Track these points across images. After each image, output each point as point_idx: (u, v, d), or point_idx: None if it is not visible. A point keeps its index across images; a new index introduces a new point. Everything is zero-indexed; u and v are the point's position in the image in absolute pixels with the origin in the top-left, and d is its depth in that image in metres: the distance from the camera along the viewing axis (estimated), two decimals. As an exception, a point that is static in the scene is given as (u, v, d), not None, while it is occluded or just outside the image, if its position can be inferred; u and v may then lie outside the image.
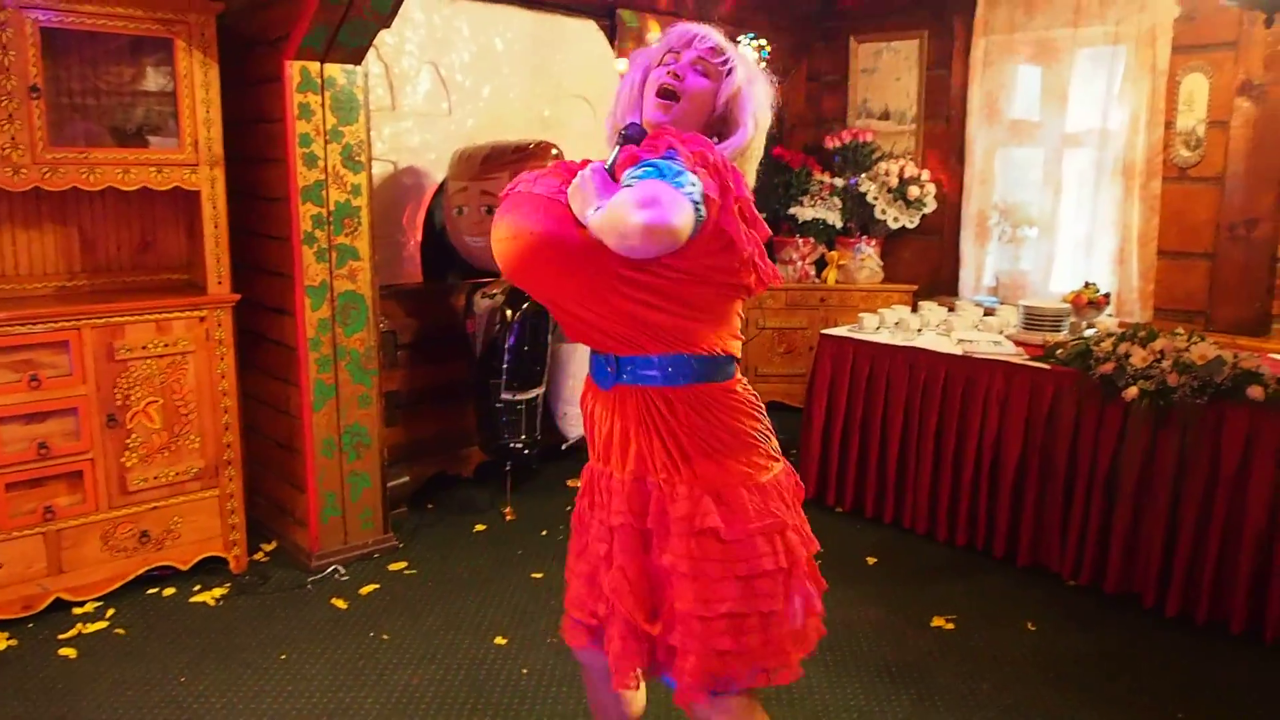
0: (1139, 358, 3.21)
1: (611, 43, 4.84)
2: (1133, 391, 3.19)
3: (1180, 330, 3.37)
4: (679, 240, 1.40)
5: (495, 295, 3.84)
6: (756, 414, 1.73)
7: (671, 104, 1.64)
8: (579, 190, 1.51)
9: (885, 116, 5.70)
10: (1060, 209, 5.03)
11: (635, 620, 1.67)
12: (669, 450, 1.64)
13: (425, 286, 4.20)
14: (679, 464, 1.64)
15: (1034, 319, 3.91)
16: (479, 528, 3.96)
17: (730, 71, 1.66)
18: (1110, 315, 4.17)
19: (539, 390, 3.94)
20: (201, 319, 3.30)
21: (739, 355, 1.73)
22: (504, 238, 1.60)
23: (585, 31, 4.72)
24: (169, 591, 3.33)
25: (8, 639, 2.99)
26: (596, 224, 1.44)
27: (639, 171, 1.47)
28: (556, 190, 1.57)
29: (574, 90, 4.66)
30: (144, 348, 3.19)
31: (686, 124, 1.63)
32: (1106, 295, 4.11)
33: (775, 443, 1.77)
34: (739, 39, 4.99)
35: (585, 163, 1.62)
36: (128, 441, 3.20)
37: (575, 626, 1.83)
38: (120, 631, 3.07)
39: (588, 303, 1.60)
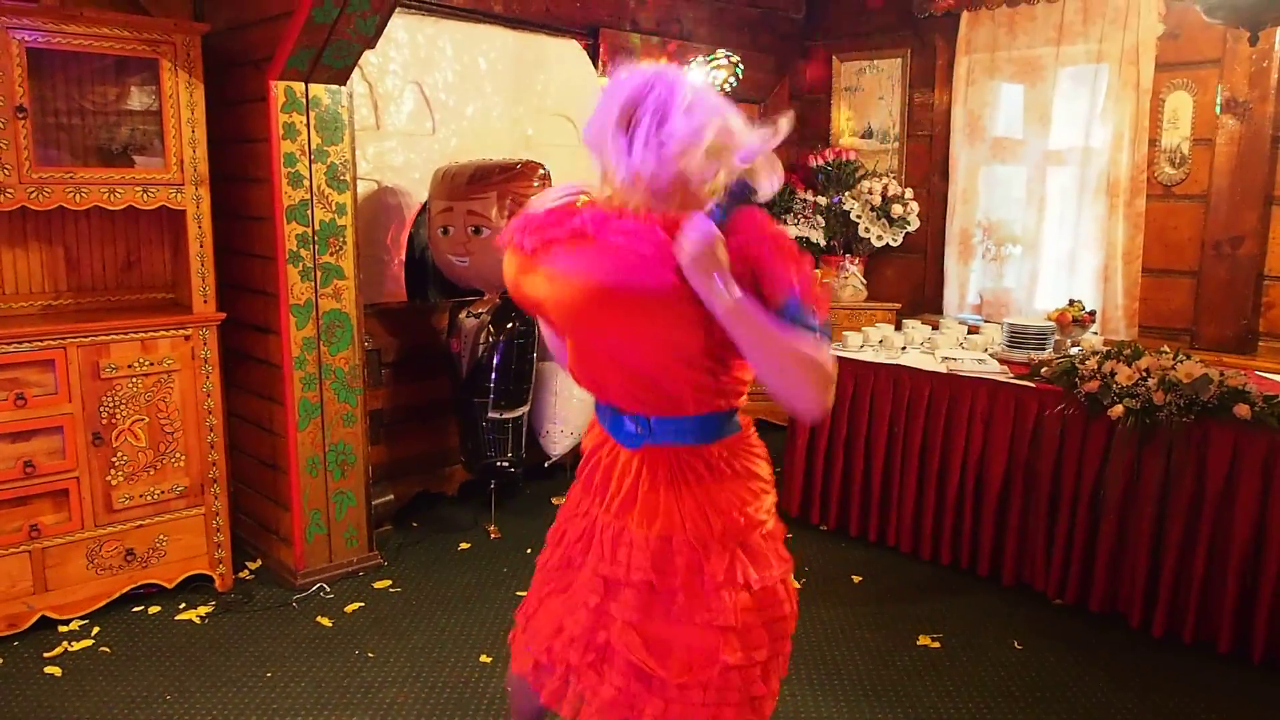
0: (1124, 375, 3.23)
1: (594, 62, 4.87)
2: (1118, 409, 3.21)
3: (1166, 348, 3.39)
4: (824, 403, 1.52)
5: (481, 314, 3.85)
6: (768, 459, 1.76)
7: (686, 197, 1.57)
8: (708, 263, 1.45)
9: (868, 135, 5.74)
10: (1044, 227, 5.07)
11: (649, 667, 1.63)
12: (701, 507, 1.64)
13: (409, 305, 4.21)
14: (711, 520, 1.63)
15: (1018, 337, 3.93)
16: (463, 546, 3.95)
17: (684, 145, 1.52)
18: (1095, 333, 4.19)
19: (525, 409, 3.94)
20: (186, 338, 3.31)
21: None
22: (587, 288, 1.53)
23: (568, 51, 4.75)
24: (154, 609, 3.32)
25: (-11, 659, 2.99)
26: (793, 351, 1.48)
27: (807, 321, 1.50)
28: (658, 246, 1.49)
29: (557, 109, 4.69)
30: (129, 366, 3.19)
31: (690, 201, 1.55)
32: (1091, 313, 4.13)
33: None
34: (709, 58, 5.03)
35: (575, 193, 1.61)
36: (113, 460, 3.20)
37: (524, 655, 1.82)
38: (106, 650, 3.06)
39: (658, 358, 1.56)
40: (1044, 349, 3.86)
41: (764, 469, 1.73)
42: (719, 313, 1.46)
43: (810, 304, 1.51)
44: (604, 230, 1.51)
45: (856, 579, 3.69)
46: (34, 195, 3.01)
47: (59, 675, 2.91)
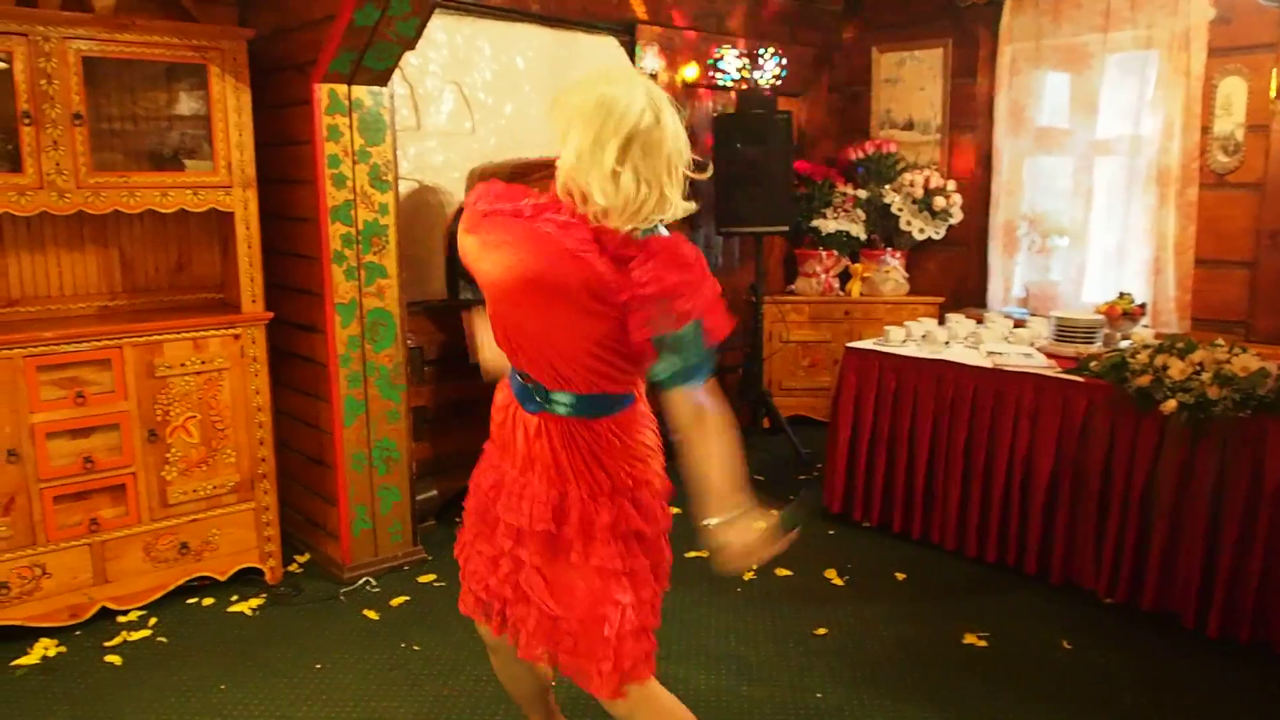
0: (1177, 370, 3.16)
1: (630, 58, 4.88)
2: (1171, 405, 3.14)
3: (1220, 341, 3.31)
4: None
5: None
6: (654, 429, 1.96)
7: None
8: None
9: (909, 127, 5.68)
10: (1091, 218, 4.97)
11: (548, 608, 1.87)
12: (590, 468, 1.85)
13: (450, 303, 4.26)
14: (599, 479, 1.84)
15: (1066, 331, 3.87)
16: (508, 540, 3.99)
17: (564, 121, 1.74)
18: (1146, 326, 4.11)
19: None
20: (236, 337, 3.38)
21: None
22: (504, 265, 1.73)
23: (604, 48, 4.76)
24: (208, 601, 3.41)
25: (57, 646, 3.09)
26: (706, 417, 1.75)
27: (698, 352, 1.71)
28: (581, 244, 1.68)
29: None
30: (182, 365, 3.28)
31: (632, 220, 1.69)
32: (1142, 306, 4.06)
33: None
34: (758, 53, 5.01)
35: (524, 192, 1.80)
36: (167, 456, 3.28)
37: (468, 596, 2.06)
38: (162, 640, 3.15)
39: (561, 348, 1.75)
40: (1092, 343, 3.79)
41: (650, 438, 1.93)
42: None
43: (708, 331, 1.69)
44: (540, 216, 1.70)
45: (900, 576, 3.67)
46: (90, 200, 3.10)
47: (119, 664, 3.00)
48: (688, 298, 1.65)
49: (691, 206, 1.74)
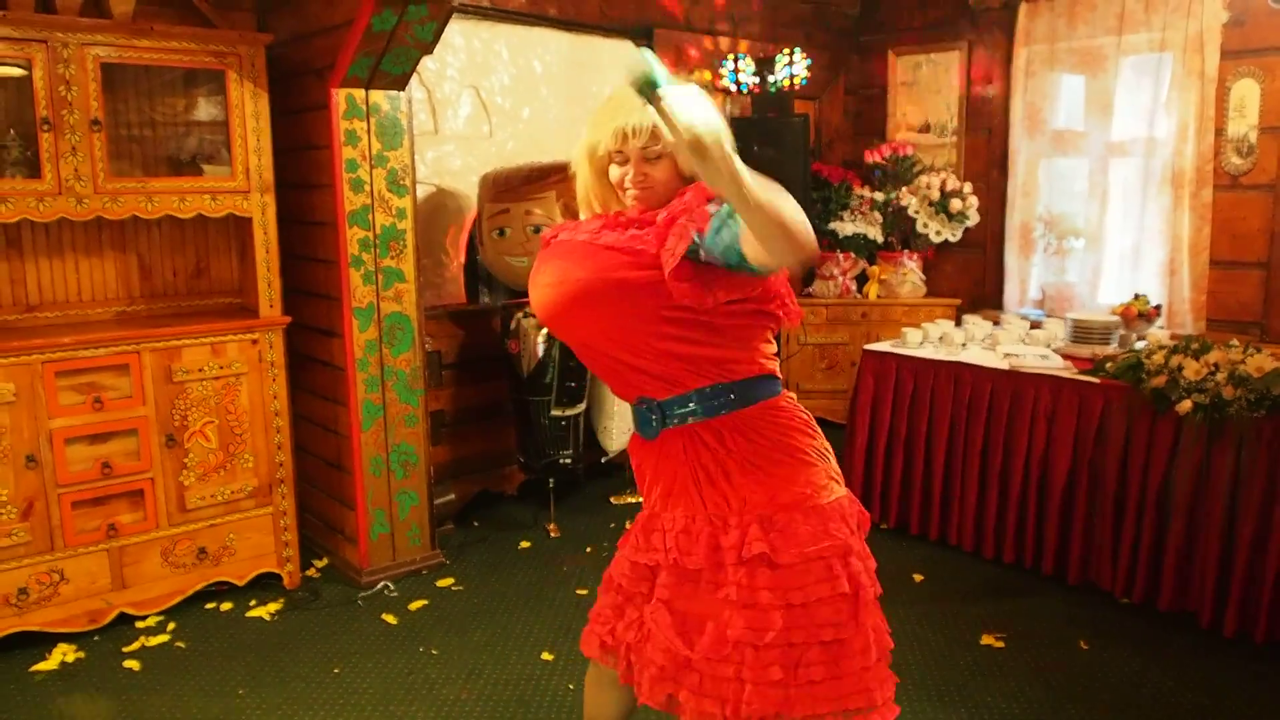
0: (1192, 370, 3.16)
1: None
2: (1186, 405, 3.13)
3: (1235, 342, 3.31)
4: (808, 258, 1.43)
5: (538, 314, 3.89)
6: (809, 430, 1.73)
7: (648, 196, 1.68)
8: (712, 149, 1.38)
9: (926, 129, 5.68)
10: (1107, 219, 4.96)
11: (675, 647, 1.68)
12: (716, 484, 1.67)
13: (468, 307, 4.27)
14: (728, 496, 1.66)
15: (1082, 332, 3.86)
16: (524, 544, 4.00)
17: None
18: (1161, 327, 4.10)
19: (583, 406, 3.98)
20: (254, 341, 3.39)
21: (778, 373, 1.75)
22: (548, 284, 1.69)
23: (621, 52, 4.77)
24: (226, 606, 3.42)
25: (75, 651, 3.09)
26: (754, 199, 1.36)
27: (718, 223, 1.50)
28: (596, 235, 1.66)
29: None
30: (200, 370, 3.29)
31: (670, 194, 1.67)
32: (1157, 307, 4.04)
33: (834, 463, 1.77)
34: (775, 57, 5.00)
35: (613, 219, 1.71)
36: (185, 461, 3.29)
37: (592, 637, 1.89)
38: (181, 645, 3.16)
39: (628, 344, 1.65)
40: (1108, 344, 3.78)
41: (799, 439, 1.70)
42: (721, 190, 1.38)
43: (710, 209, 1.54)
44: (579, 231, 1.69)
45: (918, 578, 3.66)
46: (109, 205, 3.11)
47: (137, 669, 3.01)
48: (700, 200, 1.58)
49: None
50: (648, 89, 1.33)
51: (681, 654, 1.67)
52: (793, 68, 4.94)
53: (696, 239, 1.50)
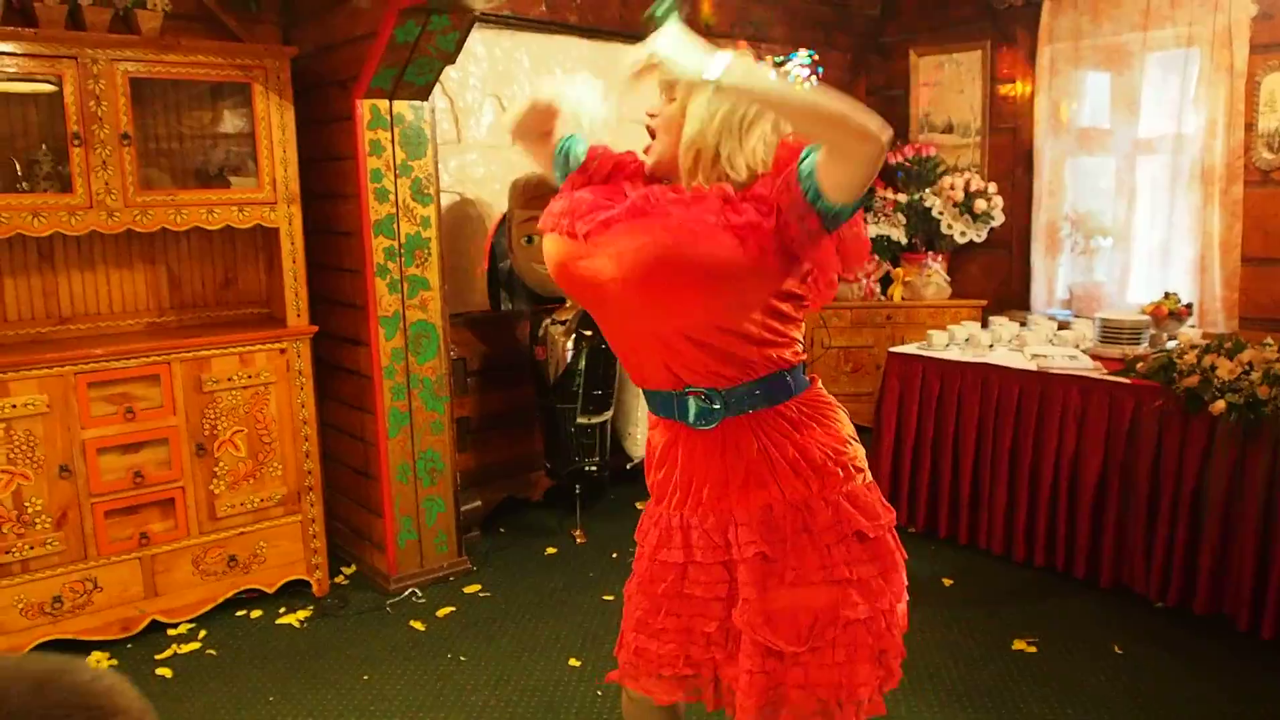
0: (1226, 370, 3.11)
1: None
2: (1220, 405, 3.08)
3: (1269, 340, 3.26)
4: (878, 146, 1.40)
5: (566, 321, 3.90)
6: (843, 408, 1.74)
7: (651, 144, 1.65)
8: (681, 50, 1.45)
9: (949, 130, 5.64)
10: (1135, 218, 4.90)
11: (773, 644, 1.60)
12: (794, 464, 1.61)
13: (492, 314, 4.29)
14: (807, 480, 1.61)
15: (1111, 332, 3.81)
16: (550, 550, 4.00)
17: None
18: (1192, 326, 4.04)
19: (610, 413, 3.99)
20: (282, 351, 3.43)
21: None
22: (662, 258, 1.49)
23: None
24: (256, 613, 3.45)
25: (108, 659, 3.13)
26: (817, 108, 1.40)
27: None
28: (718, 213, 1.50)
29: (632, 116, 4.71)
30: (229, 379, 3.32)
31: (664, 147, 1.63)
32: (1188, 306, 3.99)
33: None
34: (791, 56, 4.98)
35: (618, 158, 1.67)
36: (215, 469, 3.33)
37: (663, 683, 1.74)
38: (212, 652, 3.19)
39: (731, 327, 1.55)
40: (1139, 344, 3.73)
41: (843, 417, 1.70)
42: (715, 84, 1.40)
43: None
44: (663, 204, 1.51)
45: (947, 582, 3.62)
46: (138, 218, 3.15)
47: (169, 677, 3.04)
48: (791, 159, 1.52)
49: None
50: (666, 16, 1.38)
51: (785, 650, 1.60)
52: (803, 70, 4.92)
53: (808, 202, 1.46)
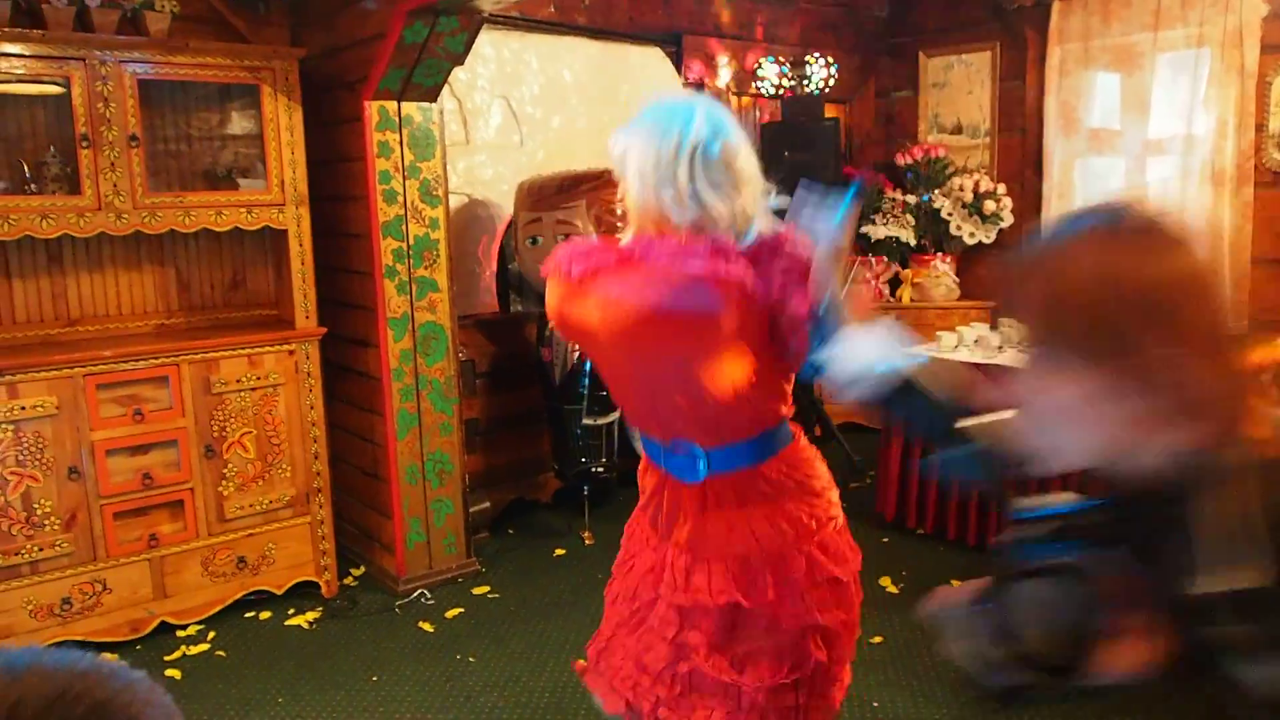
0: (1234, 371, 3.09)
1: (677, 69, 4.88)
2: (1229, 406, 3.07)
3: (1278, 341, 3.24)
4: None
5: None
6: (820, 458, 1.78)
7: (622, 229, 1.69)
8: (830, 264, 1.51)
9: (958, 131, 5.62)
10: (1145, 218, 4.88)
11: (741, 684, 1.65)
12: (771, 519, 1.66)
13: (501, 316, 4.29)
14: (783, 530, 1.66)
15: (1121, 333, 3.79)
16: (559, 552, 4.00)
17: (620, 156, 1.62)
18: (1201, 327, 4.02)
19: (617, 414, 3.98)
20: (290, 352, 3.43)
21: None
22: (647, 309, 1.54)
23: (651, 59, 4.77)
24: (265, 615, 3.45)
25: (117, 660, 3.12)
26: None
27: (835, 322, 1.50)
28: (706, 263, 1.53)
29: (642, 117, 4.73)
30: (238, 381, 3.32)
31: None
32: (1197, 307, 3.97)
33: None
34: (805, 60, 4.98)
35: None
36: (224, 471, 3.33)
37: (614, 696, 1.81)
38: (221, 654, 3.19)
39: (725, 387, 1.57)
40: (1149, 345, 3.71)
41: (821, 470, 1.76)
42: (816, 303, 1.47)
43: (837, 306, 1.50)
44: (651, 253, 1.55)
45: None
46: (147, 220, 3.16)
47: (179, 677, 3.04)
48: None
49: (778, 226, 1.61)
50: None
51: (743, 693, 1.64)
52: (820, 72, 4.92)
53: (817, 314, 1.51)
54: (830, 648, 1.67)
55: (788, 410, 1.69)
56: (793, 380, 1.68)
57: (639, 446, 1.82)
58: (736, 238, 1.56)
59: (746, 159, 1.60)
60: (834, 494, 1.76)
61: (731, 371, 1.56)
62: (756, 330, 1.54)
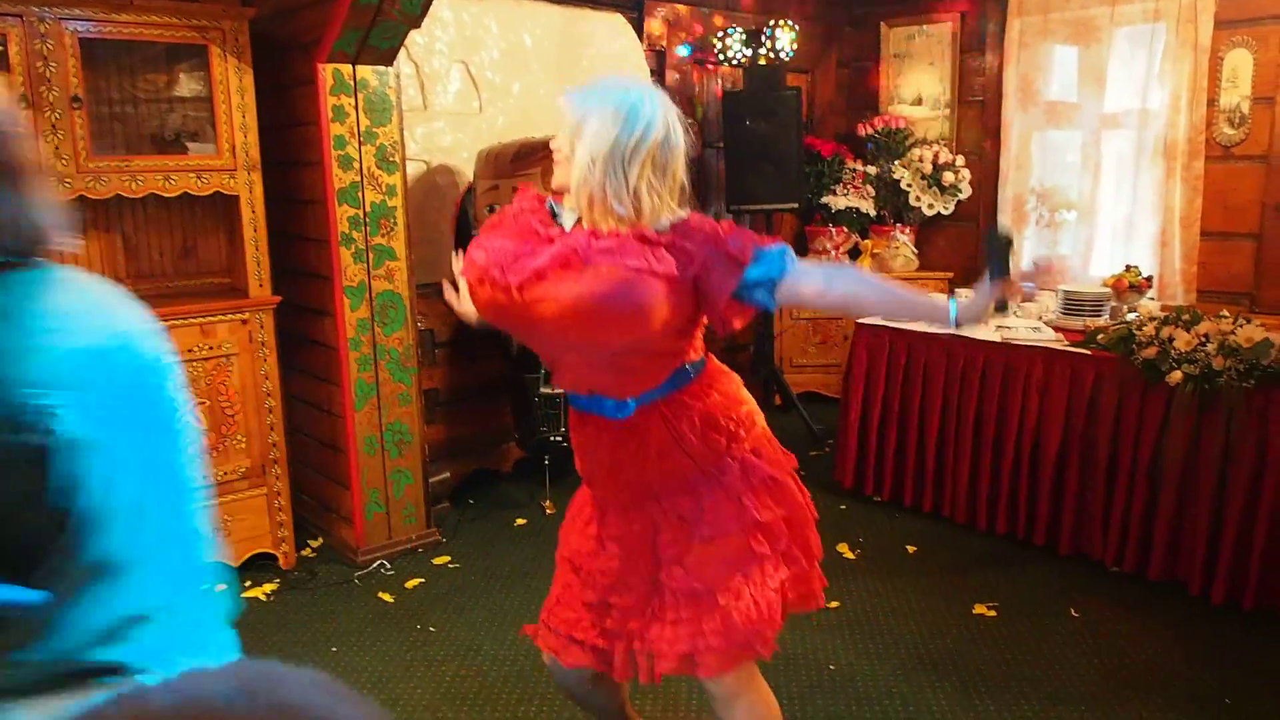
0: (1183, 341, 3.17)
1: (639, 35, 4.83)
2: (1177, 376, 3.14)
3: (1225, 313, 3.32)
4: None
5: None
6: (738, 378, 1.94)
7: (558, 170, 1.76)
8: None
9: (918, 102, 5.65)
10: (1099, 192, 4.96)
11: (697, 591, 1.79)
12: (704, 433, 1.80)
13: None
14: (710, 440, 1.80)
15: (1074, 304, 3.86)
16: (519, 522, 4.00)
17: (576, 122, 1.70)
18: (1152, 299, 4.11)
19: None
20: (244, 322, 3.37)
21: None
22: (600, 307, 1.64)
23: (613, 25, 4.72)
24: (221, 587, 3.40)
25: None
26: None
27: (774, 266, 1.70)
28: (640, 257, 1.65)
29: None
30: (189, 351, 3.26)
31: (564, 180, 1.73)
32: (1148, 278, 4.05)
33: None
34: (765, 28, 4.95)
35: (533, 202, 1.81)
36: (177, 442, 3.27)
37: (573, 648, 1.93)
38: (174, 628, 3.15)
39: (654, 356, 1.75)
40: (1100, 316, 3.78)
41: (736, 379, 1.92)
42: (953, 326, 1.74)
43: (759, 251, 1.69)
44: (591, 254, 1.65)
45: (911, 549, 3.68)
46: (91, 184, 3.07)
47: (133, 650, 3.00)
48: (738, 237, 1.70)
49: (682, 214, 1.75)
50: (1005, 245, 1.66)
51: (702, 598, 1.78)
52: (785, 36, 4.89)
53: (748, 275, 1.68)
54: (773, 541, 1.81)
55: (701, 350, 1.85)
56: (702, 330, 1.84)
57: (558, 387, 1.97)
58: (655, 226, 1.70)
59: (683, 165, 1.75)
60: (752, 401, 1.91)
61: (658, 343, 1.72)
62: (685, 303, 1.69)
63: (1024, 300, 1.71)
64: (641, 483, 1.83)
